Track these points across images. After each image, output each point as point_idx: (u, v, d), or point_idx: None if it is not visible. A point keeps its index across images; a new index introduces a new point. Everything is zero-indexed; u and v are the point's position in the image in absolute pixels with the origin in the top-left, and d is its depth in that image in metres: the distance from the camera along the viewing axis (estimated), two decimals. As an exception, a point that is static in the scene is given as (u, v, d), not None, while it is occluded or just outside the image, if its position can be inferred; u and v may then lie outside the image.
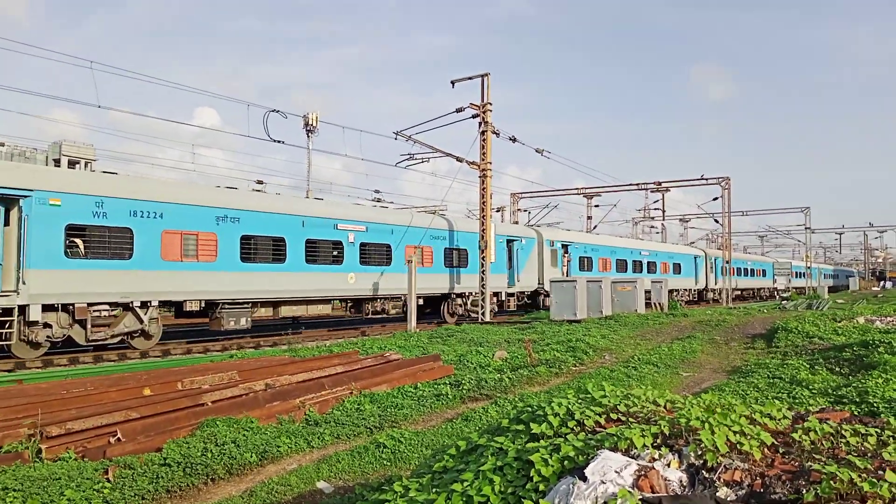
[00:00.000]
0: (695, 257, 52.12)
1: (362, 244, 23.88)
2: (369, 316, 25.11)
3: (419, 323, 24.48)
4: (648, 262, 45.18)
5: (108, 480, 6.45)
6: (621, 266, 41.71)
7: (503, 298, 30.69)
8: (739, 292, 59.48)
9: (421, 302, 26.41)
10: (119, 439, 7.68)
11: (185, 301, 18.29)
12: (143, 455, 7.07)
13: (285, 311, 21.66)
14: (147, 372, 11.82)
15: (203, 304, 18.77)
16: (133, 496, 6.26)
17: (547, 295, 31.83)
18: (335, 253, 22.84)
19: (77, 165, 22.71)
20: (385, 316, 26.62)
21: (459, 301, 28.93)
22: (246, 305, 19.66)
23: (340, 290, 23.08)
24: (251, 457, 7.33)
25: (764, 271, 69.66)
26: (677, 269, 48.82)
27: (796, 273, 77.12)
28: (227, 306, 19.14)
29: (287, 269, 20.87)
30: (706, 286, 52.95)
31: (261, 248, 20.19)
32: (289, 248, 20.94)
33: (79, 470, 6.55)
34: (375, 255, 24.49)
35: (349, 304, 25.29)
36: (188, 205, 18.33)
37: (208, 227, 18.70)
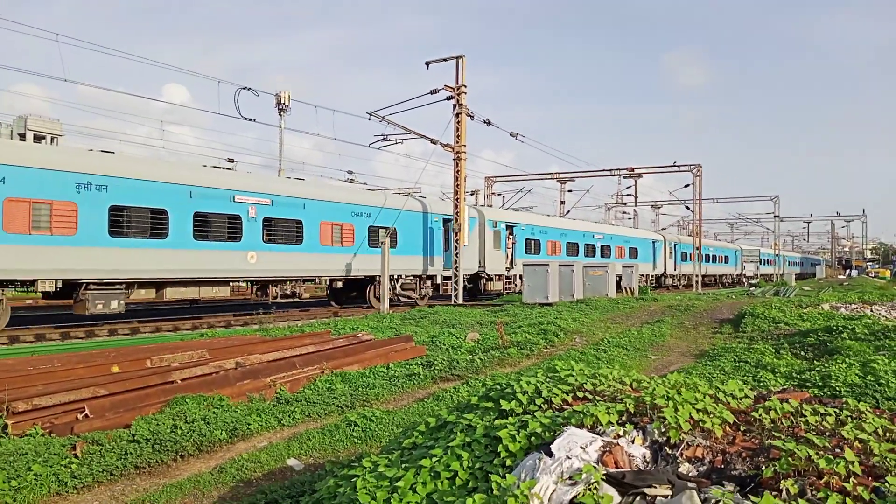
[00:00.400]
0: (653, 242, 50.66)
1: (266, 219, 21.25)
2: (277, 300, 22.52)
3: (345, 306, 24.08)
4: (602, 246, 43.42)
5: (76, 456, 6.41)
6: (572, 250, 39.72)
7: (438, 282, 28.88)
8: (701, 279, 57.68)
9: (340, 285, 25.30)
10: (87, 416, 7.62)
11: (36, 281, 16.18)
12: (112, 431, 7.03)
13: (171, 294, 19.28)
14: (116, 350, 11.71)
15: (60, 285, 16.58)
16: (101, 472, 6.23)
17: (489, 279, 31.80)
18: (232, 229, 20.21)
19: (43, 140, 22.34)
20: (299, 300, 24.88)
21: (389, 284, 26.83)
22: (118, 287, 17.44)
23: (239, 270, 20.58)
24: (221, 434, 7.32)
25: (726, 258, 69.05)
26: (633, 253, 47.33)
27: (764, 260, 78.04)
28: (92, 287, 16.88)
29: (170, 245, 18.45)
30: (664, 272, 51.59)
31: (136, 222, 17.86)
32: (172, 221, 18.48)
33: (46, 445, 6.49)
34: (283, 231, 21.96)
35: (254, 287, 23.07)
36: (40, 168, 15.94)
37: (66, 195, 16.31)
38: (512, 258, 33.50)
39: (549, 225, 38.23)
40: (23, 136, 21.26)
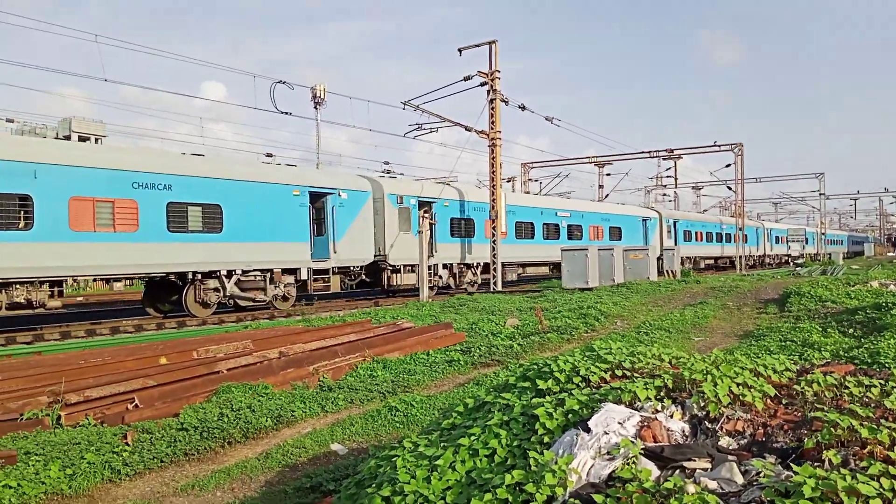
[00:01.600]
0: (643, 220, 42.91)
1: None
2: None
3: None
4: (569, 226, 35.49)
5: (128, 444, 6.60)
6: (524, 231, 32.21)
7: (303, 277, 21.75)
8: (691, 262, 45.95)
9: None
10: (137, 406, 7.84)
11: None
12: (161, 420, 7.22)
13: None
14: (163, 342, 11.99)
15: None
16: (151, 459, 6.41)
17: (395, 270, 25.17)
18: None
19: (87, 141, 22.80)
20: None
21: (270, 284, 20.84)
22: None
23: None
24: (266, 421, 7.46)
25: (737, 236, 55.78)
26: (616, 233, 39.59)
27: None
28: None
29: None
30: (661, 254, 38.47)
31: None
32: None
33: (98, 435, 6.70)
34: None
35: None
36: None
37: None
38: (433, 243, 26.64)
39: (485, 200, 29.49)
40: (68, 138, 21.71)
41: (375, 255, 24.44)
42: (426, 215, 26.75)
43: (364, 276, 24.61)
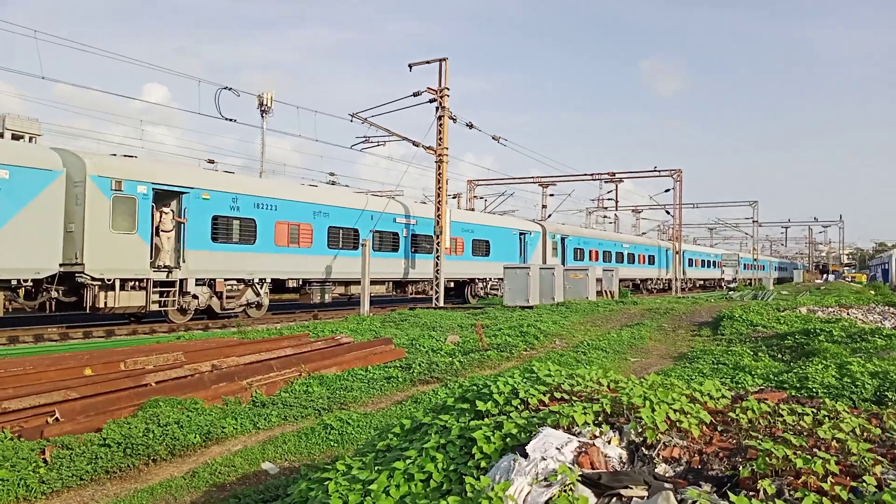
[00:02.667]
0: (521, 234, 36.83)
1: None
2: None
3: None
4: (414, 235, 29.03)
5: (45, 461, 6.27)
6: (343, 239, 25.20)
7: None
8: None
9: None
10: (57, 419, 7.46)
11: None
12: (83, 435, 6.89)
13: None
14: (89, 352, 11.49)
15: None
16: (70, 476, 6.10)
17: (106, 286, 17.27)
18: None
19: (21, 140, 21.94)
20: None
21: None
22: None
23: None
24: (195, 438, 7.20)
25: (651, 257, 54.04)
26: (481, 247, 33.26)
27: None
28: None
29: None
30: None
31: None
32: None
33: (14, 450, 6.34)
34: None
35: None
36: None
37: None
38: (179, 248, 19.47)
39: (247, 192, 21.79)
40: (1, 136, 20.75)
41: (63, 265, 16.83)
42: (169, 209, 19.30)
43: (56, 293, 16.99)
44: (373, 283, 25.30)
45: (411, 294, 30.29)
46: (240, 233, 21.34)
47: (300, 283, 24.09)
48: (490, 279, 33.76)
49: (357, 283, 24.83)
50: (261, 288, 22.19)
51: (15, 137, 20.71)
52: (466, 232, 32.13)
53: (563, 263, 37.94)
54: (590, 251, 44.42)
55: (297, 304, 28.65)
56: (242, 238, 21.41)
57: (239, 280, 21.46)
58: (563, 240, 41.11)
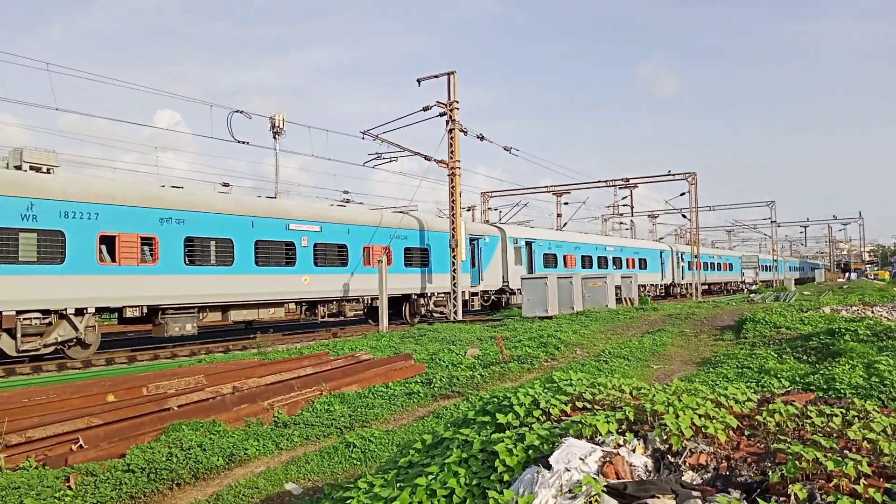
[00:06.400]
0: (471, 241, 30.89)
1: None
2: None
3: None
4: (316, 245, 23.16)
5: (70, 488, 6.29)
6: (221, 254, 20.12)
7: None
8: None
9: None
10: (81, 446, 7.50)
11: None
12: (106, 462, 6.91)
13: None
14: (111, 378, 11.56)
15: None
16: (95, 503, 6.09)
17: None
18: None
19: (38, 171, 22.22)
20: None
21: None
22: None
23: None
24: (218, 460, 7.18)
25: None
26: (416, 260, 27.42)
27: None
28: None
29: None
30: (505, 284, 32.89)
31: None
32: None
33: (39, 478, 6.38)
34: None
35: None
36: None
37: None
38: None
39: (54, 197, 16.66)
40: (19, 168, 21.04)
41: None
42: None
43: None
44: (261, 306, 21.29)
45: (322, 317, 23.87)
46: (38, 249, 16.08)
47: (144, 311, 18.11)
48: (434, 294, 28.12)
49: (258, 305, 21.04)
50: (80, 322, 16.76)
51: (33, 169, 20.91)
52: (397, 239, 26.37)
53: (531, 271, 34.11)
54: (564, 256, 39.04)
55: (306, 323, 27.90)
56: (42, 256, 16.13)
57: (43, 312, 16.19)
58: (528, 244, 35.52)
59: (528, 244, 35.63)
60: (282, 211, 22.55)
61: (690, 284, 54.82)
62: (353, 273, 24.44)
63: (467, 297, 29.26)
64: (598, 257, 43.24)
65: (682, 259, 51.39)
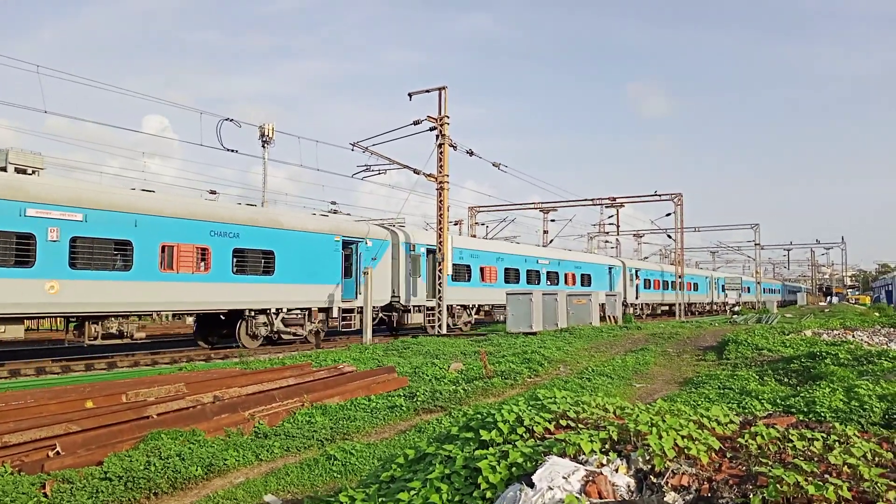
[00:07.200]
0: (345, 244, 24.91)
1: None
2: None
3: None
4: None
5: (46, 495, 6.20)
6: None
7: None
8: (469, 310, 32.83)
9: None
10: (58, 453, 7.39)
11: None
12: (84, 469, 6.81)
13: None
14: (91, 384, 11.43)
15: None
16: (70, 512, 6.01)
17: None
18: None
19: (24, 173, 22.06)
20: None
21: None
22: None
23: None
24: (196, 470, 7.11)
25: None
26: (257, 266, 21.39)
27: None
28: None
29: None
30: (395, 298, 27.78)
31: None
32: None
33: (14, 484, 6.27)
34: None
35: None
36: None
37: None
38: None
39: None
40: (4, 170, 20.84)
41: None
42: None
43: None
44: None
45: (92, 338, 17.84)
46: None
47: None
48: (283, 310, 22.31)
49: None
50: None
51: (19, 171, 20.76)
52: (226, 237, 20.18)
53: (436, 284, 28.49)
54: (481, 268, 32.79)
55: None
56: None
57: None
58: (432, 253, 29.27)
59: (432, 252, 29.17)
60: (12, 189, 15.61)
61: (647, 304, 51.08)
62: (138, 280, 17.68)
63: (335, 314, 23.85)
64: (528, 271, 36.73)
65: (637, 276, 47.05)
